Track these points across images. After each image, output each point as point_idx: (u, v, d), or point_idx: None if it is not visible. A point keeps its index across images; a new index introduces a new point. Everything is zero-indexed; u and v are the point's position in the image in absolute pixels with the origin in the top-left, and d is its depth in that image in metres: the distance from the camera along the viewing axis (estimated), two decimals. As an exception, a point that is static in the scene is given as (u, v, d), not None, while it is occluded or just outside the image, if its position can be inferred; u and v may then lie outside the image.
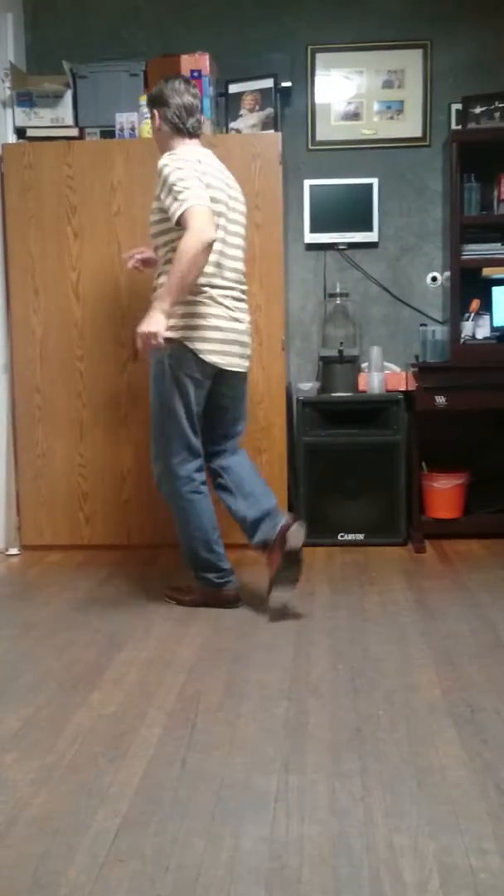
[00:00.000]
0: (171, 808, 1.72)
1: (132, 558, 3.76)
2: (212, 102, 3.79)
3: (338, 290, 4.18)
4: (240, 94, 3.93)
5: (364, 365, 4.10)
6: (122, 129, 3.80)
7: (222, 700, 2.23)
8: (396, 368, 4.14)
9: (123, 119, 3.80)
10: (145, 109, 3.76)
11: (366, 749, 1.95)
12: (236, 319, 2.90)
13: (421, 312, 4.27)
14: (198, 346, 2.81)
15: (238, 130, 3.90)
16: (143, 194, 3.73)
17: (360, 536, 3.88)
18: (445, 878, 1.47)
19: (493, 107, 3.99)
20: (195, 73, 3.71)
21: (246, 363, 2.99)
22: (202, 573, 2.99)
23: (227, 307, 2.87)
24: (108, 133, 3.86)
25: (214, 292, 2.83)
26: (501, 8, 4.13)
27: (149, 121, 3.73)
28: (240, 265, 2.95)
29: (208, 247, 2.67)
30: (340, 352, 3.97)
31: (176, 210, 2.66)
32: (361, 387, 4.00)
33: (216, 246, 2.80)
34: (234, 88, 3.93)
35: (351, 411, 3.91)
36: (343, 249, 4.26)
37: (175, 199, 2.67)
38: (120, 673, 2.44)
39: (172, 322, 2.78)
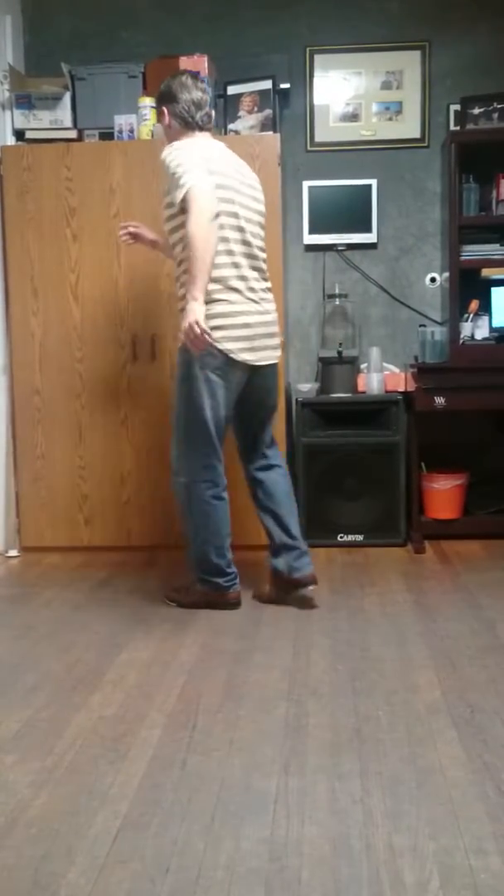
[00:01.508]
0: (171, 810, 1.72)
1: (132, 560, 3.76)
2: (210, 104, 3.79)
3: (337, 291, 4.18)
4: (238, 96, 3.93)
5: (363, 366, 4.10)
6: (120, 131, 3.80)
7: (222, 701, 2.24)
8: (395, 369, 4.14)
9: (122, 121, 3.80)
10: (145, 111, 3.76)
11: (365, 750, 1.95)
12: (264, 311, 2.88)
13: (420, 313, 4.28)
14: (228, 345, 2.78)
15: (237, 132, 3.90)
16: (142, 196, 3.73)
17: (360, 537, 3.88)
18: (445, 878, 1.47)
19: (491, 108, 3.99)
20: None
21: (278, 353, 2.96)
22: (209, 577, 2.96)
23: (253, 300, 2.84)
24: (106, 135, 3.86)
25: (240, 285, 2.80)
26: (500, 9, 4.14)
27: (148, 122, 3.76)
28: (261, 254, 2.92)
29: (214, 220, 2.65)
30: (339, 353, 3.97)
31: (177, 195, 2.66)
32: (360, 387, 4.00)
33: (235, 236, 2.78)
34: (232, 90, 3.93)
35: (350, 412, 3.91)
36: (342, 250, 4.26)
37: (176, 185, 2.68)
38: (120, 674, 2.44)
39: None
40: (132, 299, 3.78)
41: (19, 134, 3.93)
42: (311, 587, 3.01)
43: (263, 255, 2.94)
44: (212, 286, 2.75)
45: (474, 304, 3.96)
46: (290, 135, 4.19)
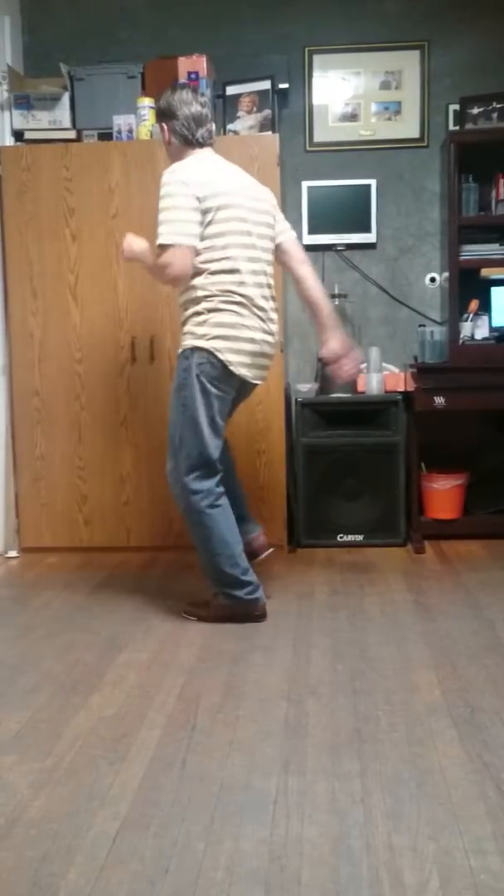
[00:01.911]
0: (171, 810, 1.71)
1: (131, 560, 3.76)
2: (209, 104, 3.78)
3: (336, 291, 4.18)
4: (237, 96, 3.93)
5: (363, 366, 4.10)
6: (119, 132, 3.80)
7: (222, 702, 2.23)
8: (395, 369, 4.14)
9: (121, 121, 3.80)
10: (143, 111, 3.76)
11: (365, 750, 1.94)
12: (268, 332, 2.84)
13: (419, 313, 4.27)
14: (229, 357, 2.75)
15: (236, 132, 3.90)
16: (141, 196, 3.73)
17: (360, 537, 3.88)
18: (445, 878, 1.47)
19: (490, 107, 3.99)
20: (192, 75, 3.71)
21: (266, 374, 2.94)
22: (229, 590, 2.84)
23: (260, 318, 2.81)
24: (105, 135, 3.85)
25: (247, 301, 2.77)
26: (499, 8, 4.14)
27: (147, 123, 3.76)
28: (269, 269, 2.89)
29: (170, 282, 2.78)
30: (339, 353, 3.96)
31: (158, 238, 2.71)
32: (360, 388, 4.00)
33: (243, 254, 2.76)
34: (231, 90, 3.93)
35: (350, 412, 3.91)
36: (341, 250, 4.26)
37: (160, 225, 2.71)
38: (119, 675, 2.44)
39: (203, 331, 2.74)
40: (131, 300, 3.78)
41: (18, 134, 3.92)
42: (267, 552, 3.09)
43: (271, 271, 2.90)
44: (221, 296, 2.74)
45: (474, 304, 3.96)
46: (289, 135, 4.19)
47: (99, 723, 2.13)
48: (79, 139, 3.88)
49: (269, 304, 2.86)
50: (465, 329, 3.97)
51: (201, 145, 2.85)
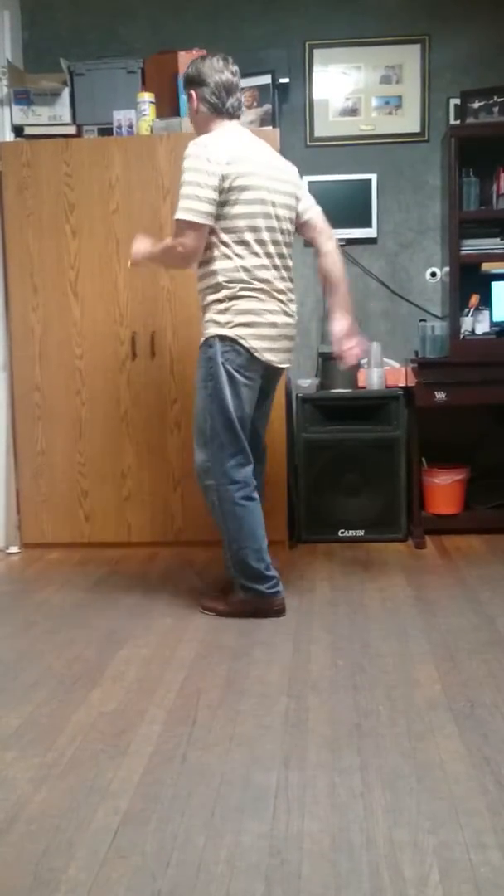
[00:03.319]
0: (172, 805, 1.72)
1: (132, 556, 3.76)
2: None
3: (292, 282, 4.16)
4: (237, 91, 3.92)
5: (364, 361, 4.09)
6: (119, 127, 3.80)
7: (222, 697, 2.24)
8: (396, 364, 4.14)
9: (121, 116, 3.79)
10: (143, 107, 3.75)
11: (366, 744, 1.95)
12: (288, 314, 2.84)
13: (420, 308, 4.27)
14: (253, 343, 2.74)
15: (236, 127, 3.89)
16: (142, 191, 3.73)
17: (361, 532, 3.88)
18: (445, 872, 1.47)
19: (491, 101, 3.98)
20: (192, 70, 3.69)
21: (291, 357, 2.94)
22: (251, 584, 2.83)
23: (280, 301, 2.80)
24: (105, 130, 3.85)
25: (268, 286, 2.76)
26: (499, 2, 4.12)
27: (147, 118, 3.75)
28: (288, 251, 2.86)
29: (181, 261, 2.75)
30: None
31: (176, 212, 2.68)
32: (361, 383, 4.00)
33: (265, 237, 2.74)
34: (231, 85, 3.92)
35: (350, 407, 3.91)
36: (342, 245, 4.23)
37: (180, 199, 2.67)
38: (120, 670, 2.44)
39: (226, 318, 2.73)
40: (132, 296, 3.77)
41: (18, 130, 3.92)
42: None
43: (290, 252, 2.88)
44: (242, 283, 2.72)
45: (475, 299, 3.96)
46: (290, 130, 4.18)
47: (99, 718, 2.13)
48: (79, 134, 3.87)
49: (287, 286, 2.85)
50: (466, 324, 3.97)
51: (230, 116, 2.80)
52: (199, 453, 2.83)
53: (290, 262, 2.87)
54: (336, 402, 3.93)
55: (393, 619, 2.83)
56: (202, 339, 2.81)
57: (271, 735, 2.01)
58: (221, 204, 2.69)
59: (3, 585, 3.39)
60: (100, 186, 3.74)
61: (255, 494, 2.83)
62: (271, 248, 2.77)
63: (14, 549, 3.90)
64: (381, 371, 3.96)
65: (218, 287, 2.75)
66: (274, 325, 2.79)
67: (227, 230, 2.71)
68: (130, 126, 3.79)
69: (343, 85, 4.21)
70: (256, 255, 2.74)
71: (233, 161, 2.68)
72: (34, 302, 3.81)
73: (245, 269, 2.73)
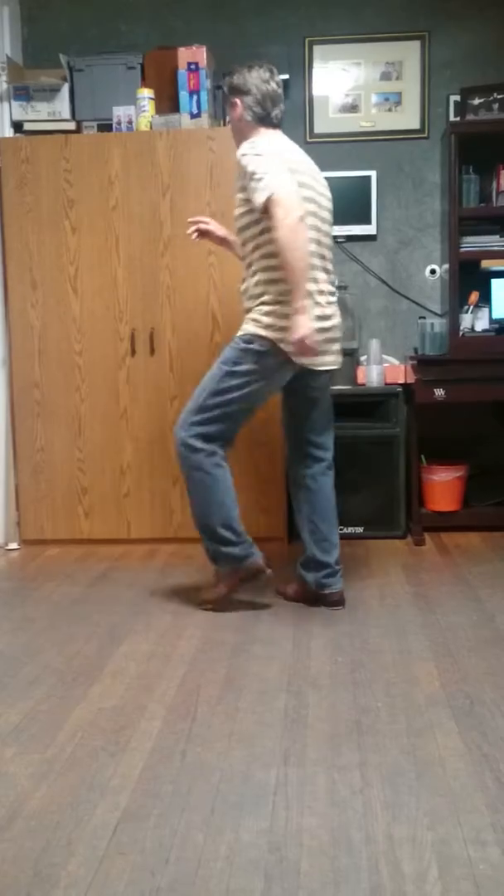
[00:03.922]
0: (171, 801, 1.72)
1: (132, 552, 3.76)
2: (209, 95, 3.78)
3: (336, 283, 4.16)
4: (237, 87, 3.91)
5: (363, 358, 4.10)
6: (119, 123, 3.79)
7: (222, 693, 2.24)
8: (395, 361, 4.14)
9: (121, 112, 3.78)
10: (143, 103, 3.75)
11: (365, 741, 1.95)
12: (328, 317, 2.80)
13: (420, 305, 4.27)
14: (291, 349, 2.70)
15: (236, 123, 3.88)
16: (141, 188, 3.72)
17: (360, 529, 3.88)
18: (444, 868, 1.47)
19: (491, 98, 3.98)
20: (192, 66, 3.70)
21: (339, 359, 2.90)
22: (223, 549, 2.82)
23: (321, 304, 2.77)
24: (105, 126, 3.84)
25: (311, 287, 2.71)
26: (499, -1, 4.12)
27: (146, 113, 3.74)
28: (329, 253, 2.85)
29: (302, 223, 2.60)
30: (339, 345, 3.96)
31: (258, 198, 2.60)
32: (360, 380, 4.00)
33: (312, 235, 2.71)
34: (231, 81, 3.91)
35: (350, 404, 3.91)
36: (341, 242, 4.25)
37: (256, 187, 2.61)
38: (120, 666, 2.44)
39: (269, 321, 2.70)
40: (131, 292, 3.77)
41: (17, 126, 3.91)
42: (338, 607, 2.90)
43: (332, 256, 2.87)
44: (285, 286, 2.67)
45: (474, 296, 3.95)
46: (290, 126, 4.14)
47: (99, 714, 2.13)
48: (78, 130, 3.87)
49: (329, 289, 2.83)
50: (466, 321, 3.97)
51: (273, 126, 2.80)
52: (184, 412, 2.83)
53: (331, 266, 2.86)
54: (335, 399, 3.87)
55: (392, 615, 2.83)
56: (239, 332, 2.78)
57: (271, 731, 2.01)
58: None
59: (2, 582, 3.39)
60: (99, 182, 3.74)
61: (225, 464, 2.82)
62: (316, 249, 2.76)
63: (13, 545, 3.91)
64: (381, 368, 3.96)
65: (268, 285, 2.72)
66: (317, 329, 2.72)
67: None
68: (130, 122, 3.78)
69: (343, 81, 4.20)
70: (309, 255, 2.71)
71: (289, 161, 2.69)
72: (33, 298, 3.81)
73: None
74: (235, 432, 2.86)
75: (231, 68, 2.88)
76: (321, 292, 2.78)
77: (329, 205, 2.88)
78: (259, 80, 2.77)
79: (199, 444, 2.79)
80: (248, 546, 2.87)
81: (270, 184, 2.57)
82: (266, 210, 2.60)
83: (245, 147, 2.70)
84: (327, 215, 2.86)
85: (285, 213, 2.56)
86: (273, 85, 2.79)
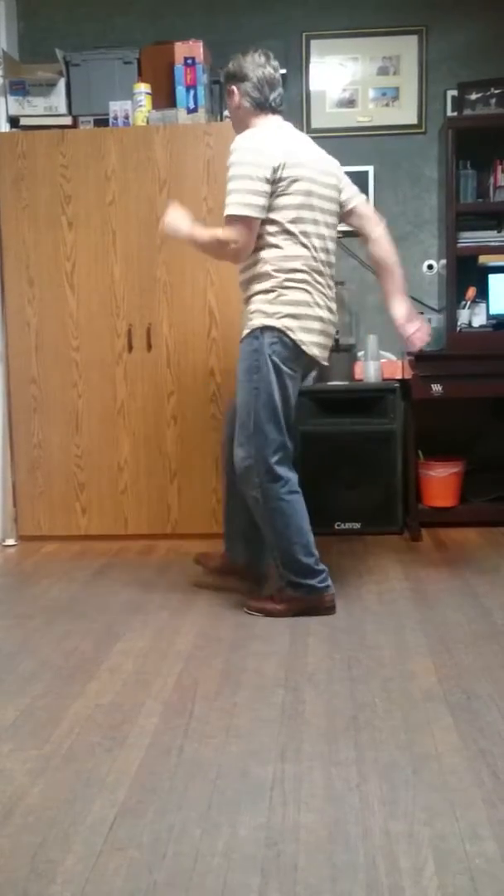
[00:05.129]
0: (168, 797, 1.72)
1: (129, 548, 3.76)
2: (206, 90, 3.76)
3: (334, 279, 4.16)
4: (234, 82, 3.90)
5: (360, 353, 4.10)
6: (115, 118, 3.78)
7: (219, 689, 2.24)
8: (393, 357, 4.14)
9: (117, 107, 3.77)
10: (140, 97, 3.74)
11: (362, 737, 1.95)
12: (331, 310, 2.80)
13: (417, 301, 4.25)
14: (301, 336, 2.68)
15: (232, 118, 3.87)
16: (138, 183, 3.71)
17: (357, 525, 3.88)
18: (441, 863, 1.47)
19: (488, 93, 3.97)
20: (189, 61, 3.69)
21: (328, 354, 2.88)
22: (302, 580, 2.75)
23: (325, 295, 2.76)
24: (101, 121, 3.83)
25: (315, 278, 2.71)
26: (497, -7, 4.11)
27: (143, 108, 3.73)
28: (333, 247, 2.83)
29: (231, 258, 2.70)
30: (336, 340, 3.94)
31: (226, 208, 2.64)
32: (358, 375, 4.00)
33: (312, 229, 2.70)
34: (228, 76, 3.90)
35: (347, 400, 3.91)
36: (339, 237, 4.23)
37: (227, 195, 2.64)
38: (117, 663, 2.44)
39: (274, 309, 2.67)
40: (128, 288, 3.77)
41: (14, 121, 3.90)
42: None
43: (334, 248, 2.84)
44: (289, 274, 2.67)
45: (471, 292, 3.95)
46: (287, 121, 4.15)
47: (96, 710, 2.13)
48: (75, 125, 3.86)
49: (330, 282, 2.81)
50: (463, 316, 3.97)
51: (273, 111, 2.78)
52: (239, 450, 2.75)
53: (333, 259, 2.83)
54: (333, 395, 3.92)
55: (389, 611, 2.83)
56: (246, 331, 2.74)
57: (268, 727, 2.01)
58: (271, 195, 2.65)
59: (-1, 578, 3.39)
60: (96, 177, 3.73)
61: (298, 488, 2.78)
62: (316, 242, 2.73)
63: (10, 541, 3.90)
64: (378, 364, 3.95)
65: (264, 277, 2.70)
66: (320, 318, 2.73)
67: (276, 221, 2.67)
68: (126, 117, 3.77)
69: (340, 76, 4.19)
70: (305, 246, 2.70)
71: (284, 152, 2.66)
72: (30, 294, 3.80)
73: (293, 260, 2.68)
74: (288, 440, 2.80)
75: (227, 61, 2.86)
76: (326, 284, 2.77)
77: (332, 193, 2.81)
78: (255, 64, 2.75)
79: (279, 471, 2.72)
80: (325, 578, 2.79)
81: (234, 204, 2.62)
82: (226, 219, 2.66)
83: (237, 141, 2.68)
84: (330, 205, 2.80)
85: (225, 240, 2.65)
86: (269, 69, 2.76)
